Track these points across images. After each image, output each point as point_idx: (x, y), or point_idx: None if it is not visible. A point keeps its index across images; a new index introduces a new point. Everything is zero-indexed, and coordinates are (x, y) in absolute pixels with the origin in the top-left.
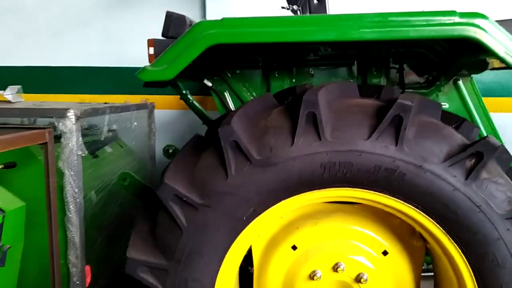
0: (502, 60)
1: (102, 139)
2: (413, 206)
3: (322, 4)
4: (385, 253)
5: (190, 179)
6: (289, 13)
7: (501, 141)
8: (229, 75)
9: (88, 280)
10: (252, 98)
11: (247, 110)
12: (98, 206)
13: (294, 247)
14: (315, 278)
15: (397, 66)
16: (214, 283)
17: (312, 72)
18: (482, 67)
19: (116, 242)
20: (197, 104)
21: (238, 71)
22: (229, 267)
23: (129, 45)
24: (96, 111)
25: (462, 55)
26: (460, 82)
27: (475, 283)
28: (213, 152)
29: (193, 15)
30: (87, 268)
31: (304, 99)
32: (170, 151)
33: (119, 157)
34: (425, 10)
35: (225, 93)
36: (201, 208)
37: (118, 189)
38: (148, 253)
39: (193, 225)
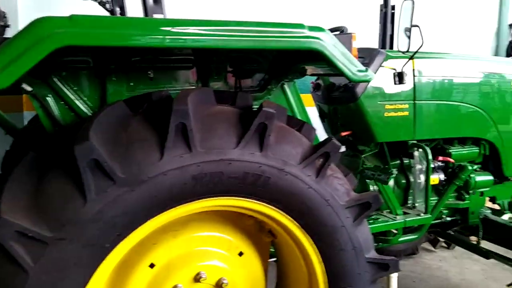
0: (341, 71)
1: None
2: (275, 207)
3: (158, 5)
4: (240, 254)
5: (36, 209)
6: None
7: None
8: (53, 78)
9: None
10: (82, 103)
11: (100, 121)
12: None
13: (152, 265)
14: None
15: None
16: None
17: (152, 75)
18: (303, 72)
19: None
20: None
21: (64, 73)
22: None
23: None
24: None
25: (293, 63)
26: (286, 86)
27: (323, 266)
28: (63, 174)
29: None
30: None
31: (174, 109)
32: None
33: None
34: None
35: (48, 98)
36: (53, 242)
37: None
38: None
39: (42, 264)
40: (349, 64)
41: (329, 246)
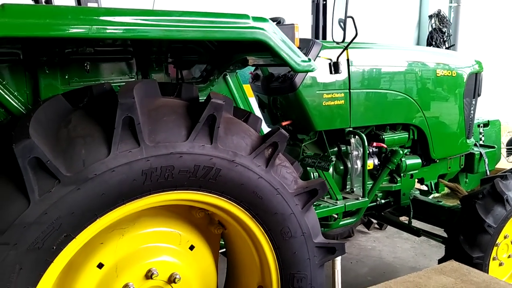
0: (285, 62)
1: None
2: (226, 198)
3: None
4: (191, 247)
5: None
6: None
7: None
8: None
9: None
10: (12, 98)
11: (38, 117)
12: None
13: (100, 265)
14: None
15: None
16: None
17: (88, 67)
18: (245, 63)
19: None
20: None
21: None
22: None
23: None
24: None
25: (236, 53)
26: (228, 77)
27: (274, 254)
28: (2, 175)
29: None
30: None
31: (120, 102)
32: None
33: None
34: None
35: None
36: None
37: None
38: None
39: None
40: (293, 55)
41: (280, 233)
